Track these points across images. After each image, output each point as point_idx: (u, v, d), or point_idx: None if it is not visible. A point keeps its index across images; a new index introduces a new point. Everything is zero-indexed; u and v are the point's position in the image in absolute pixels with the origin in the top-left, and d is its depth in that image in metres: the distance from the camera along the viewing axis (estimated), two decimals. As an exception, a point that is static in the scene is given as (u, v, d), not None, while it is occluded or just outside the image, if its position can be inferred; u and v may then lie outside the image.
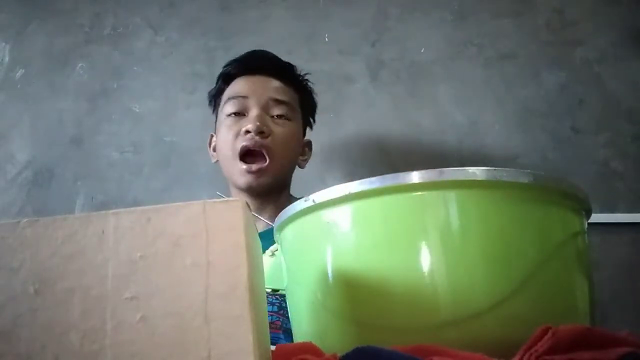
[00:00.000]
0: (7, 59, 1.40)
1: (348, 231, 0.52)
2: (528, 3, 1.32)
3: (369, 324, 0.49)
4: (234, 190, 1.03)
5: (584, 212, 0.57)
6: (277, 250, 0.63)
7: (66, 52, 1.39)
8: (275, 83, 1.03)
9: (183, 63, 1.36)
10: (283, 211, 0.57)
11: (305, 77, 1.10)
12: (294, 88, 1.06)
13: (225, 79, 1.07)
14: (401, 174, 0.50)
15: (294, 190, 1.10)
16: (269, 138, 0.97)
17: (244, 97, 1.01)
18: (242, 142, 0.96)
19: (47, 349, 0.36)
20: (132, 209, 0.40)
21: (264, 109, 0.99)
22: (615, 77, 1.27)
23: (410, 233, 0.48)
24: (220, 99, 1.07)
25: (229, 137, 0.98)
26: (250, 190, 0.99)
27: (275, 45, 1.33)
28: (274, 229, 0.60)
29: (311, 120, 1.13)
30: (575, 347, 0.41)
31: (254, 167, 0.96)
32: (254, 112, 0.98)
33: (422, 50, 1.31)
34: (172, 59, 1.37)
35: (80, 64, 1.38)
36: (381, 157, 1.27)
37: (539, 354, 0.40)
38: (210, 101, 1.12)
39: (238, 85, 1.03)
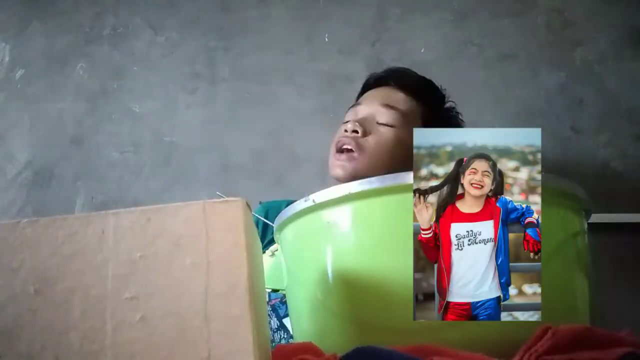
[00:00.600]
0: (7, 59, 1.40)
1: (348, 231, 0.52)
2: (528, 3, 1.32)
3: (369, 324, 0.49)
4: None
5: (584, 212, 0.57)
6: (277, 250, 0.63)
7: (66, 52, 1.39)
8: (394, 92, 1.02)
9: (183, 63, 1.36)
10: (283, 211, 0.57)
11: (443, 95, 1.08)
12: (420, 101, 1.03)
13: (360, 92, 1.08)
14: (401, 174, 0.50)
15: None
16: (364, 138, 0.98)
17: (358, 104, 1.02)
18: (339, 138, 0.99)
19: (47, 349, 0.36)
20: (132, 209, 0.40)
21: (370, 114, 1.00)
22: (615, 77, 1.26)
23: (410, 233, 0.48)
24: None
25: (334, 138, 1.01)
26: (338, 182, 1.00)
27: (275, 45, 1.33)
28: (274, 229, 0.60)
29: None
30: (575, 347, 0.41)
31: (343, 156, 0.97)
32: (357, 115, 1.00)
33: (422, 50, 1.31)
34: (172, 59, 1.37)
35: (80, 64, 1.38)
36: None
37: (539, 353, 0.40)
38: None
39: (362, 96, 1.05)
